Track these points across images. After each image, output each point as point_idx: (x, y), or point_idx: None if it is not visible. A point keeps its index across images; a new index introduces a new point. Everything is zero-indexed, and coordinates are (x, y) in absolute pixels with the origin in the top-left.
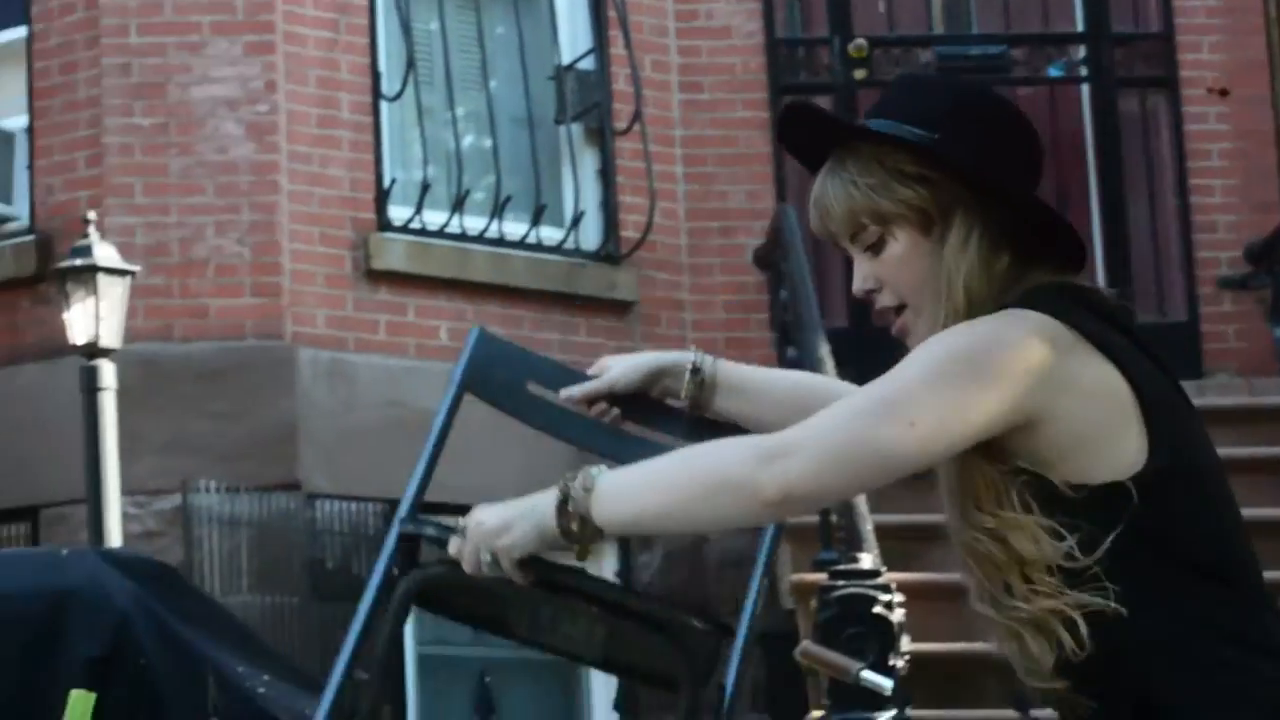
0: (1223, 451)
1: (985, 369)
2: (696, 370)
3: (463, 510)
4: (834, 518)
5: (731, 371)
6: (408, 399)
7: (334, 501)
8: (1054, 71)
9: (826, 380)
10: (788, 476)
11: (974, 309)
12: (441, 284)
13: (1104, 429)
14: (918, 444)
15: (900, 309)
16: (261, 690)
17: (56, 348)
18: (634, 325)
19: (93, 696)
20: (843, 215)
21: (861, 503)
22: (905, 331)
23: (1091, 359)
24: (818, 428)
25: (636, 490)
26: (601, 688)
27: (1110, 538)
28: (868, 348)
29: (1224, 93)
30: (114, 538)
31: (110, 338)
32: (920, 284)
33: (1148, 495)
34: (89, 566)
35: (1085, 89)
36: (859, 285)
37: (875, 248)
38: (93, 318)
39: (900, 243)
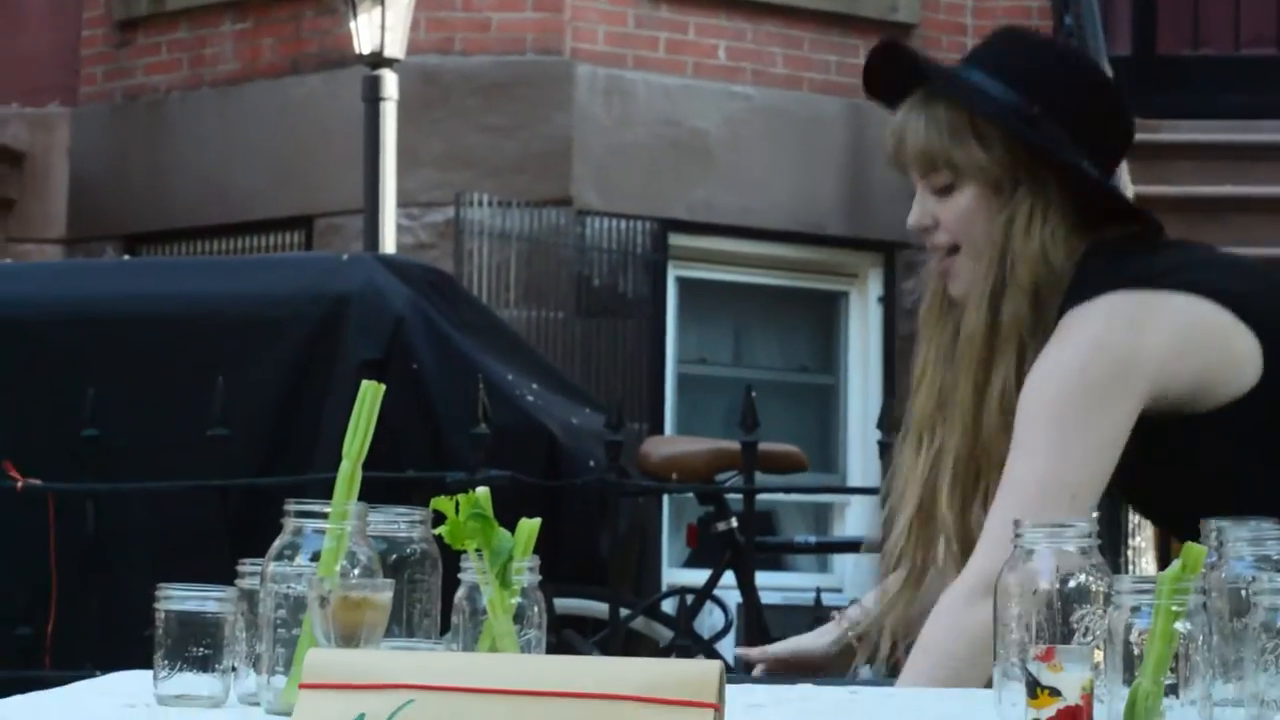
0: None
1: (1105, 396)
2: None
3: (739, 232)
4: None
5: None
6: (682, 118)
7: (604, 218)
8: None
9: None
10: None
11: (1041, 291)
12: (722, 2)
13: (1216, 356)
14: (1086, 505)
15: (952, 250)
16: (530, 398)
17: (339, 58)
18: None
19: (382, 387)
20: (918, 154)
21: None
22: (949, 274)
23: (1174, 302)
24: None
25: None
26: (858, 406)
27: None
28: (1152, 74)
29: None
30: (388, 248)
31: (395, 47)
32: (979, 238)
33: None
34: (367, 271)
35: None
36: (915, 219)
37: (943, 192)
38: (378, 28)
39: (968, 195)
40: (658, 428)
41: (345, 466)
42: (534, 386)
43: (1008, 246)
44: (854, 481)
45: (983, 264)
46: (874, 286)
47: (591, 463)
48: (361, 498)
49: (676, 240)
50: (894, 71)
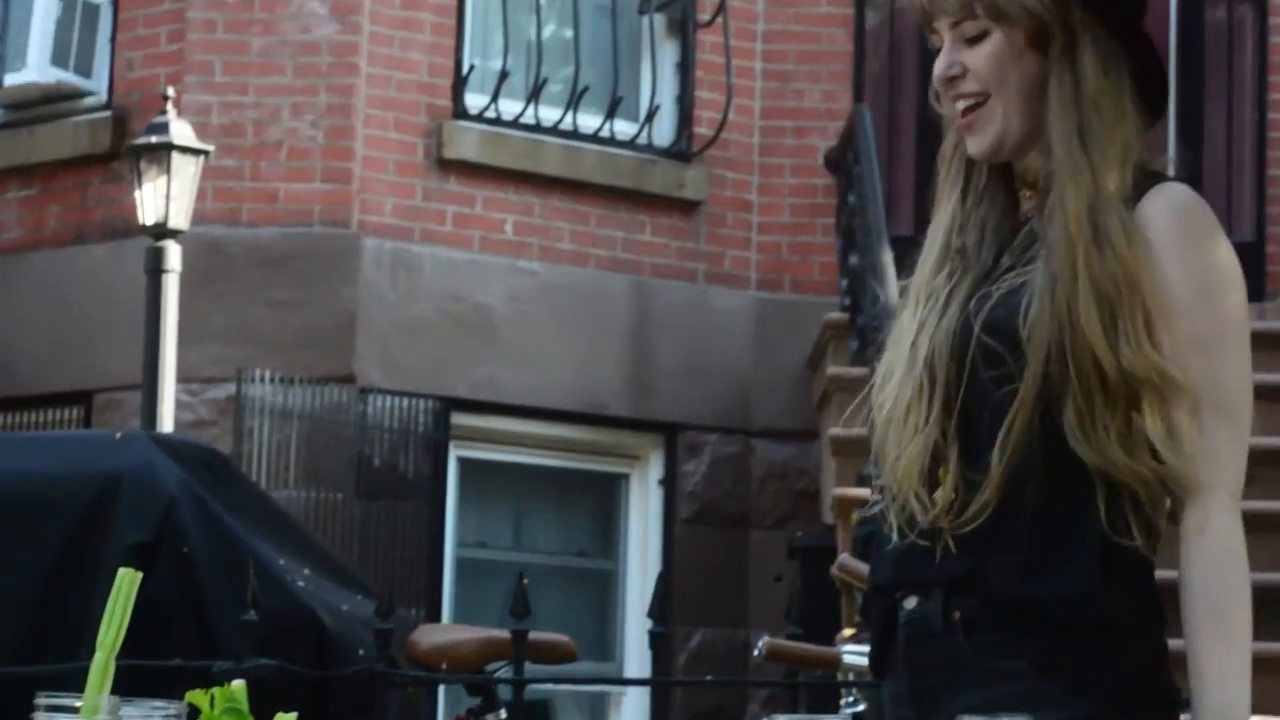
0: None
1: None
2: None
3: (522, 412)
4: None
5: None
6: (468, 293)
7: (387, 396)
8: None
9: None
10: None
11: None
12: (511, 176)
13: None
14: None
15: (978, 104)
16: (301, 584)
17: (124, 228)
18: (699, 226)
19: (139, 575)
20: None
21: None
22: (973, 127)
23: None
24: (1229, 466)
25: (1239, 675)
26: (636, 592)
27: None
28: None
29: None
30: (166, 426)
31: (179, 218)
32: (1014, 88)
33: None
34: (140, 450)
35: None
36: (942, 69)
37: (974, 40)
38: (163, 198)
39: (1000, 43)
40: (435, 614)
41: (99, 657)
42: (305, 571)
43: (1107, 133)
44: (630, 671)
45: (1064, 138)
46: (655, 468)
47: (361, 651)
48: (128, 687)
49: (459, 419)
50: None
